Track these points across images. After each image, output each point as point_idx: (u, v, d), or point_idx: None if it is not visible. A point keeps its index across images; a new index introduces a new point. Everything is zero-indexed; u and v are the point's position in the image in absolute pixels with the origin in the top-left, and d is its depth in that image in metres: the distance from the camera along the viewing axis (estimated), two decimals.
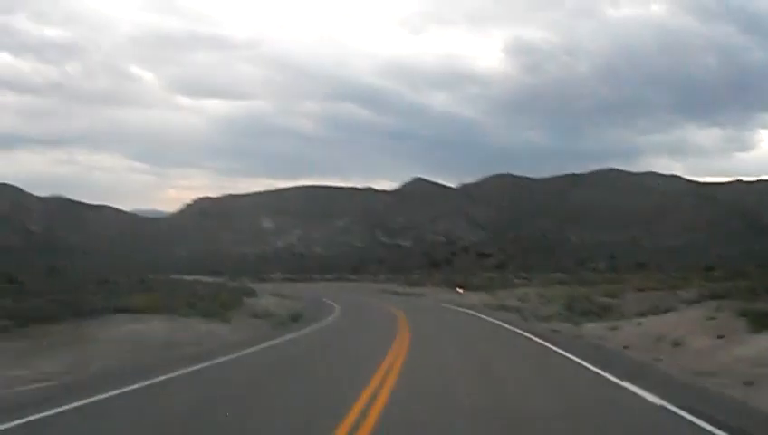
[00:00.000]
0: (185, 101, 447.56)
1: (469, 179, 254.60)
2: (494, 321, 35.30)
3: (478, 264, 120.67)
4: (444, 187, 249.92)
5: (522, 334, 26.99)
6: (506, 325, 31.86)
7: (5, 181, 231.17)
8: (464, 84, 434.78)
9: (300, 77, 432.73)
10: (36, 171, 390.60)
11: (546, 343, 22.88)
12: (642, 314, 29.86)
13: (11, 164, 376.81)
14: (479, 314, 41.07)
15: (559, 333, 27.27)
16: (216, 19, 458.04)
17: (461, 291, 72.30)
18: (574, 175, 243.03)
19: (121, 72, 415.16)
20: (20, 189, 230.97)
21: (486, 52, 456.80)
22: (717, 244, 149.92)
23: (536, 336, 25.60)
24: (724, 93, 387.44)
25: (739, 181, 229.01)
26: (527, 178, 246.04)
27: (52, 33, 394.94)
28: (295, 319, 34.73)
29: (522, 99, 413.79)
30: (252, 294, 53.34)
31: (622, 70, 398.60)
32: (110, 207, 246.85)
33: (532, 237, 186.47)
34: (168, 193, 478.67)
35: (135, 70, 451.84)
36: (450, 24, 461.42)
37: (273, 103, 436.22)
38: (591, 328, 28.91)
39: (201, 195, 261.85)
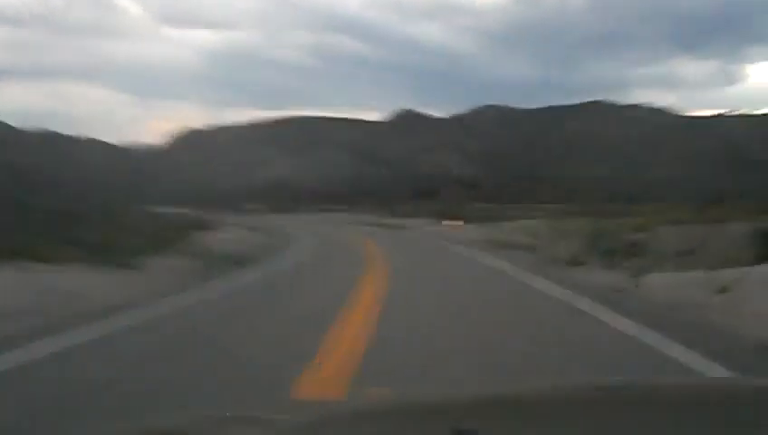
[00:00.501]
0: (172, 32, 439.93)
1: (459, 111, 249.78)
2: (511, 272, 23.26)
3: (468, 195, 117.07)
4: (433, 118, 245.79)
5: (569, 304, 15.16)
6: (535, 280, 20.16)
7: None
8: (455, 15, 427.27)
9: (288, 7, 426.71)
10: (20, 105, 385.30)
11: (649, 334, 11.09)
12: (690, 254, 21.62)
13: None
14: (484, 256, 30.45)
15: (629, 297, 16.52)
16: None
17: (459, 223, 63.46)
18: (564, 106, 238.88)
19: (106, 3, 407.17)
20: (2, 122, 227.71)
21: None
22: (705, 177, 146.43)
23: (600, 303, 14.78)
24: (712, 26, 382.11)
25: (725, 115, 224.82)
26: (516, 110, 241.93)
27: None
28: (240, 261, 26.68)
29: (514, 31, 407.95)
30: (211, 226, 48.56)
31: (613, 2, 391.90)
32: (97, 140, 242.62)
33: (523, 169, 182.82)
34: (155, 125, 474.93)
35: (120, 0, 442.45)
36: None
37: (261, 34, 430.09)
38: (665, 283, 17.62)
39: (188, 127, 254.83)
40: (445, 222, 68.63)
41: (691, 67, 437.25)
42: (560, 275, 21.41)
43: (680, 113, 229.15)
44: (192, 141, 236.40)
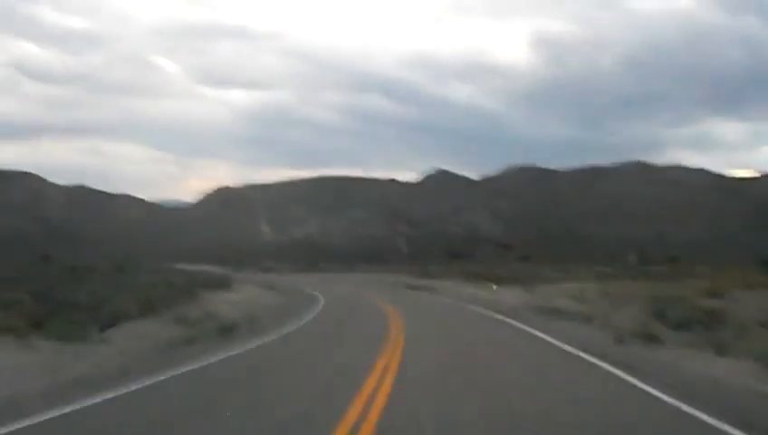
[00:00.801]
0: (208, 91, 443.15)
1: (491, 172, 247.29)
2: (574, 352, 17.69)
3: (500, 256, 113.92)
4: (466, 179, 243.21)
5: None
6: (621, 374, 13.75)
7: (26, 169, 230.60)
8: (486, 76, 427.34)
9: (322, 68, 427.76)
10: (59, 161, 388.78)
11: None
12: None
13: (35, 153, 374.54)
14: (533, 330, 23.93)
15: None
16: (240, 9, 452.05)
17: (494, 287, 54.38)
18: (597, 167, 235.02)
19: (144, 63, 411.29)
20: (41, 178, 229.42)
21: (509, 43, 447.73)
22: (746, 238, 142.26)
23: None
24: (749, 87, 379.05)
25: (762, 176, 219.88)
26: (550, 171, 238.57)
27: (75, 23, 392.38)
28: (228, 330, 22.62)
29: (544, 91, 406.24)
30: (226, 285, 46.18)
31: (646, 62, 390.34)
32: (129, 196, 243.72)
33: (555, 230, 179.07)
34: (190, 183, 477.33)
35: (158, 60, 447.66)
36: (473, 15, 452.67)
37: (296, 94, 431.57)
38: None
39: (221, 185, 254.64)
40: (479, 284, 60.82)
41: (726, 128, 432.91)
42: (652, 365, 14.88)
43: (716, 174, 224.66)
44: (224, 199, 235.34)
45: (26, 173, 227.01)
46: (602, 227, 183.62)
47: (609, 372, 14.06)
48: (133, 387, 12.34)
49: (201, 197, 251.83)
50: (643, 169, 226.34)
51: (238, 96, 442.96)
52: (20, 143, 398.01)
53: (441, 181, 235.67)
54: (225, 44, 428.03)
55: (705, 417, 9.58)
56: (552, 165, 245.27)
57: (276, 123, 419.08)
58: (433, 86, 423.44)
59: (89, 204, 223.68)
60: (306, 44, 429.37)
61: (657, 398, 11.23)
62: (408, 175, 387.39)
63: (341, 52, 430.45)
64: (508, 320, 28.83)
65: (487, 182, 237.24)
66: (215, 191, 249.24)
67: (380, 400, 10.96)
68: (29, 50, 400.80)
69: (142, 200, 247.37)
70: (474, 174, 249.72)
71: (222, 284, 44.84)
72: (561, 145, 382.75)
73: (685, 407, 10.33)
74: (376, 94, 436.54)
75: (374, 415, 9.80)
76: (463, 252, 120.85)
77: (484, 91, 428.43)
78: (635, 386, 12.40)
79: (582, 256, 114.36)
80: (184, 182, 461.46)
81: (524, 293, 45.42)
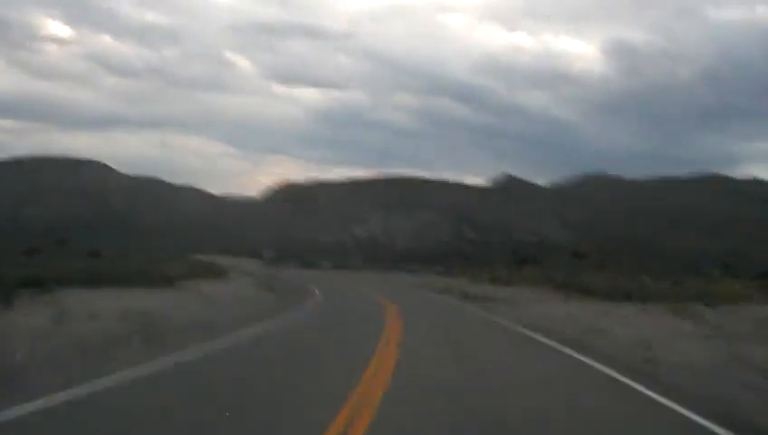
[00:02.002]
0: (280, 89, 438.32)
1: (560, 179, 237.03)
2: None
3: (573, 264, 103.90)
4: (534, 185, 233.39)
5: None
6: None
7: (94, 158, 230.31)
8: (559, 83, 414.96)
9: (395, 70, 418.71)
10: (130, 152, 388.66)
11: None
12: None
13: (107, 144, 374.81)
14: None
15: None
16: (314, 9, 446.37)
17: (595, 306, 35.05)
18: (671, 178, 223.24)
19: (218, 59, 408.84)
20: (107, 166, 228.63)
21: (584, 51, 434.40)
22: None
23: None
24: None
25: None
26: (622, 180, 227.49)
27: (152, 17, 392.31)
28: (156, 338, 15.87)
29: (618, 100, 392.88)
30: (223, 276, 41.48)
31: (724, 74, 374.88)
32: (194, 189, 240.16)
33: (627, 240, 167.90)
34: (259, 180, 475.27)
35: (232, 56, 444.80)
36: (548, 21, 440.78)
37: (368, 95, 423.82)
38: None
39: (288, 181, 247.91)
40: (568, 296, 42.73)
41: None
42: None
43: None
44: (289, 195, 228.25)
45: (93, 161, 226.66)
46: (676, 238, 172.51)
47: None
48: None
49: (267, 192, 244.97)
50: (718, 182, 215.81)
51: (310, 95, 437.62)
52: (94, 134, 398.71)
53: (509, 187, 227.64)
54: (299, 43, 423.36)
55: None
56: (624, 174, 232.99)
57: (347, 123, 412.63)
58: (505, 92, 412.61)
59: (153, 194, 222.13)
60: (380, 46, 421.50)
61: None
62: (476, 180, 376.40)
63: (415, 55, 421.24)
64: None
65: (557, 189, 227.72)
66: (279, 187, 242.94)
67: None
68: (107, 43, 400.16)
69: (207, 193, 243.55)
70: (542, 181, 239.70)
71: (221, 275, 37.64)
72: (634, 155, 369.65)
73: None
74: (448, 98, 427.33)
75: None
76: (532, 258, 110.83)
77: (556, 98, 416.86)
78: None
79: (660, 268, 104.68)
80: (253, 178, 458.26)
81: (649, 316, 28.72)
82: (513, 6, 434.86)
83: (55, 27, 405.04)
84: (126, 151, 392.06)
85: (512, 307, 35.09)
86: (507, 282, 63.18)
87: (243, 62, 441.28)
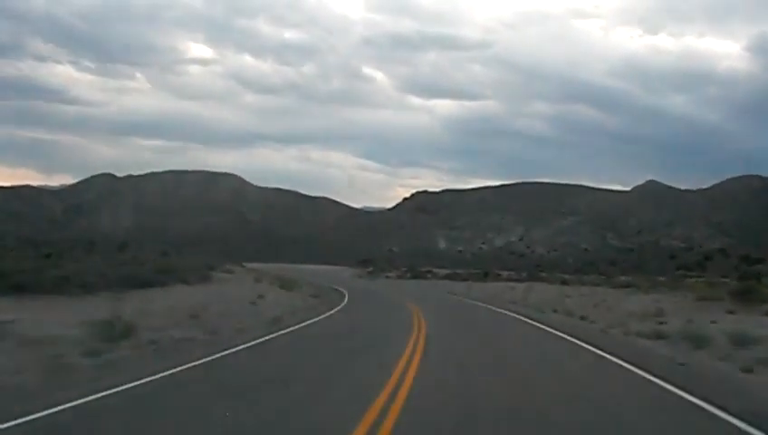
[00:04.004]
0: (415, 100, 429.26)
1: (706, 183, 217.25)
2: None
3: (742, 270, 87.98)
4: (679, 190, 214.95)
5: None
6: None
7: (230, 171, 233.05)
8: (702, 85, 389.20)
9: (530, 78, 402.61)
10: (270, 167, 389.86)
11: None
12: None
13: (248, 159, 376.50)
14: None
15: None
16: (448, 19, 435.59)
17: None
18: None
19: (354, 73, 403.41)
20: (242, 179, 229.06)
21: (727, 50, 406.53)
22: None
23: None
24: None
25: None
26: None
27: (290, 35, 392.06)
28: None
29: (766, 99, 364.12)
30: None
31: None
32: (328, 199, 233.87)
33: None
34: (396, 191, 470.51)
35: (367, 70, 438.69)
36: (689, 21, 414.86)
37: (503, 104, 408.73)
38: None
39: (422, 191, 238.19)
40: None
41: None
42: None
43: None
44: (422, 205, 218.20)
45: (229, 174, 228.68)
46: None
47: None
48: None
49: (402, 203, 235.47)
50: None
51: (446, 106, 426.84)
52: (235, 150, 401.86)
53: (652, 192, 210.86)
54: (434, 54, 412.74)
55: None
56: None
57: (483, 133, 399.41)
58: (644, 95, 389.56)
59: (287, 206, 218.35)
60: (515, 54, 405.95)
61: None
62: (616, 186, 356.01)
63: (550, 61, 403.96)
64: None
65: (704, 193, 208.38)
66: (412, 196, 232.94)
67: None
68: (247, 62, 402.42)
69: (341, 204, 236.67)
70: (686, 185, 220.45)
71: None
72: None
73: None
74: (584, 104, 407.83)
75: None
76: (694, 264, 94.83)
77: (698, 99, 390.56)
78: None
79: None
80: (390, 190, 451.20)
81: None
82: (653, 8, 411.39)
83: (198, 49, 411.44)
84: (265, 166, 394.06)
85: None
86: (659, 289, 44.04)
87: (378, 76, 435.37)
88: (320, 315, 26.40)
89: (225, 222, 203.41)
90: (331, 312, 29.29)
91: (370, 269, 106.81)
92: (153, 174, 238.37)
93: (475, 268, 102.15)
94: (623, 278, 66.11)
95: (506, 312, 32.13)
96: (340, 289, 51.73)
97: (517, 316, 28.80)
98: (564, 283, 65.69)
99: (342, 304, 35.26)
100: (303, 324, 21.71)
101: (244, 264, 75.45)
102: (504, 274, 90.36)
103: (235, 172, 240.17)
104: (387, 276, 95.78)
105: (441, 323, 24.68)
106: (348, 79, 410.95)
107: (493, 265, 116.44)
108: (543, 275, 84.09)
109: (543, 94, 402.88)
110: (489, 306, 36.93)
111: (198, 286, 35.41)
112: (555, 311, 32.22)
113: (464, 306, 37.58)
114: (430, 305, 35.78)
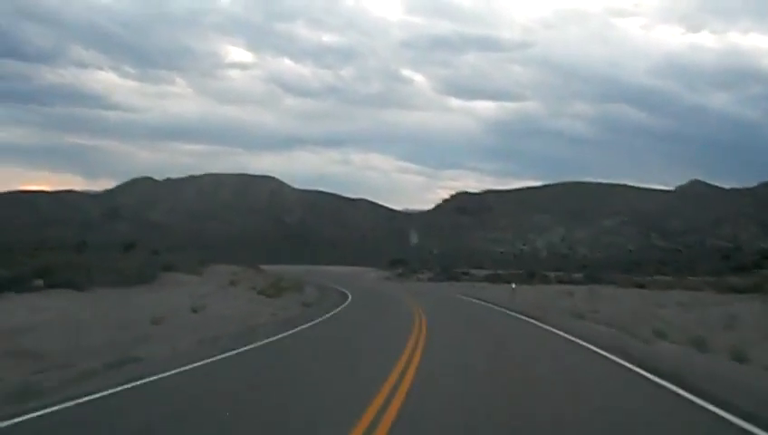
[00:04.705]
0: (455, 102, 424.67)
1: (751, 182, 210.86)
2: None
3: None
4: (724, 189, 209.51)
5: None
6: None
7: (268, 174, 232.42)
8: (746, 83, 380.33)
9: (570, 78, 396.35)
10: (311, 171, 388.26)
11: None
12: None
13: (288, 163, 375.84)
14: None
15: None
16: (487, 20, 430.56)
17: None
18: None
19: (393, 75, 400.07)
20: (280, 181, 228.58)
21: None
22: None
23: None
24: None
25: None
26: None
27: (328, 38, 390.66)
28: None
29: None
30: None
31: None
32: (367, 201, 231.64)
33: None
34: (437, 193, 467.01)
35: (406, 72, 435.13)
36: (732, 18, 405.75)
37: (544, 105, 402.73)
38: None
39: (462, 192, 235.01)
40: None
41: None
42: None
43: None
44: (462, 206, 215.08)
45: (267, 176, 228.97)
46: None
47: None
48: None
49: (441, 205, 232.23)
50: None
51: (486, 107, 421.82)
52: (276, 153, 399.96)
53: (696, 191, 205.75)
54: (474, 56, 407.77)
55: None
56: None
57: (524, 134, 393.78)
58: (686, 94, 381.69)
59: (326, 208, 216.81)
60: (555, 54, 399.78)
61: None
62: (659, 185, 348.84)
63: (591, 61, 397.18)
64: None
65: (750, 192, 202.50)
66: (452, 197, 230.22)
67: None
68: (286, 65, 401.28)
69: (380, 206, 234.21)
70: (731, 184, 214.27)
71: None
72: None
73: None
74: (626, 103, 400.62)
75: None
76: (750, 263, 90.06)
77: (742, 97, 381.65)
78: None
79: None
80: (429, 192, 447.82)
81: None
82: (695, 5, 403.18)
83: (238, 54, 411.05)
84: (304, 169, 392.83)
85: None
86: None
87: (418, 78, 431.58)
88: (264, 339, 17.77)
89: (263, 224, 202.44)
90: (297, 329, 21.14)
91: (400, 271, 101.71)
92: (192, 177, 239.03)
93: (516, 269, 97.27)
94: (733, 280, 52.02)
95: (586, 345, 17.51)
96: (348, 293, 46.26)
97: (615, 362, 14.30)
98: (640, 286, 54.94)
99: (323, 317, 26.49)
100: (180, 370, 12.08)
101: (262, 266, 72.41)
102: (552, 274, 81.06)
103: (274, 175, 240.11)
104: (418, 278, 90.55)
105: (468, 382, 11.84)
106: (387, 81, 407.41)
107: (536, 265, 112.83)
108: (601, 275, 73.62)
109: (584, 94, 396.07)
110: (551, 329, 22.51)
111: (107, 292, 28.56)
112: (662, 336, 18.76)
113: (510, 330, 23.34)
114: (455, 328, 23.60)
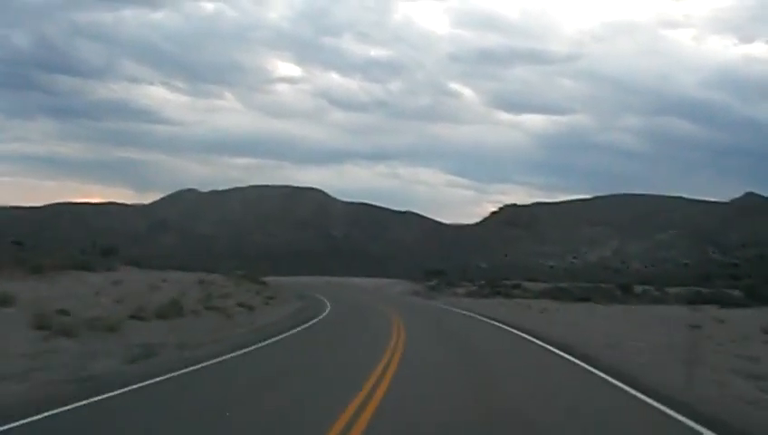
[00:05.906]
0: (503, 116, 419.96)
1: None
2: None
3: None
4: None
5: None
6: None
7: (314, 186, 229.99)
8: None
9: (620, 91, 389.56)
10: (359, 185, 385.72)
11: None
12: None
13: (338, 177, 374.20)
14: None
15: None
16: (535, 33, 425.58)
17: None
18: None
19: (441, 89, 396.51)
20: (327, 194, 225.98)
21: None
22: None
23: None
24: None
25: None
26: None
27: (376, 52, 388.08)
28: None
29: None
30: None
31: None
32: (414, 214, 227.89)
33: None
34: (485, 207, 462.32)
35: (454, 86, 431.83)
36: None
37: (593, 118, 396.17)
38: None
39: (510, 205, 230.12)
40: None
41: None
42: None
43: None
44: (511, 219, 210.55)
45: (313, 189, 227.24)
46: None
47: None
48: None
49: (489, 219, 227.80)
50: None
51: (535, 121, 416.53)
52: (324, 167, 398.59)
53: (751, 204, 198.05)
54: (522, 69, 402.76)
55: None
56: None
57: (573, 148, 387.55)
58: (739, 106, 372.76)
59: (373, 221, 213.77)
60: (604, 67, 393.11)
61: None
62: (712, 198, 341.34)
63: (640, 73, 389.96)
64: None
65: None
66: (500, 210, 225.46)
67: None
68: (334, 80, 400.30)
69: (428, 219, 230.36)
70: None
71: None
72: None
73: None
74: (676, 116, 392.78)
75: None
76: None
77: None
78: None
79: None
80: (478, 206, 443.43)
81: None
82: (747, 15, 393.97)
83: (286, 68, 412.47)
84: (352, 183, 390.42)
85: None
86: None
87: (466, 92, 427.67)
88: None
89: (309, 236, 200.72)
90: None
91: (433, 283, 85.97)
92: (236, 189, 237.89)
93: (575, 282, 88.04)
94: None
95: None
96: (342, 314, 35.88)
97: None
98: None
99: None
100: None
101: (263, 278, 64.80)
102: (639, 288, 68.69)
103: (320, 187, 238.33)
104: (455, 293, 74.24)
105: None
106: (435, 95, 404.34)
107: (586, 280, 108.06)
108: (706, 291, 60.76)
109: (634, 107, 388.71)
110: None
111: None
112: None
113: None
114: None
